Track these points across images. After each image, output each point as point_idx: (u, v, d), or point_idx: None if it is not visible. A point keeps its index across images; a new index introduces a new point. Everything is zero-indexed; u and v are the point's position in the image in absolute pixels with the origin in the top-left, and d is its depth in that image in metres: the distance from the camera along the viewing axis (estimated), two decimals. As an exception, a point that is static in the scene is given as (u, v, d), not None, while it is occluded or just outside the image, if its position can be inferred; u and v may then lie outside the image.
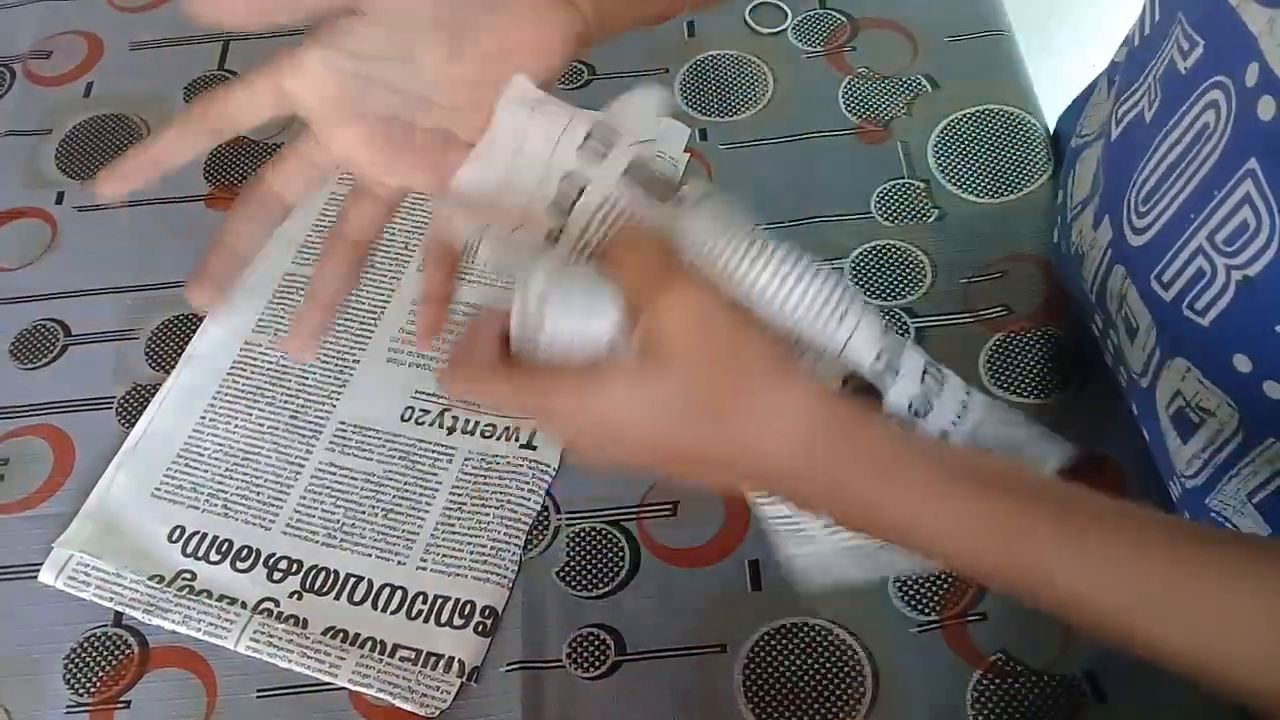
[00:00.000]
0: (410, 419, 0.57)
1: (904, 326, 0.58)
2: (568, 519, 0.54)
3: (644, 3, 0.47)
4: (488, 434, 0.56)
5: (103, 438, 0.57)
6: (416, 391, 0.57)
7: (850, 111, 0.66)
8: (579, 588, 0.52)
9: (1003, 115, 0.65)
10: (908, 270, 0.60)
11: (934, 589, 0.50)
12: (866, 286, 0.59)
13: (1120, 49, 0.59)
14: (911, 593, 0.50)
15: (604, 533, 0.53)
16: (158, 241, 0.64)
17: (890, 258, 0.60)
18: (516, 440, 0.55)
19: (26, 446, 0.57)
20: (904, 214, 0.62)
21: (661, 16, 0.49)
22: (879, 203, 0.62)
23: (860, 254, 0.60)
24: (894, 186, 0.63)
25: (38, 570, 0.53)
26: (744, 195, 0.60)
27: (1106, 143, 0.51)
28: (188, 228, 0.64)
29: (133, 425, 0.57)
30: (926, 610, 0.49)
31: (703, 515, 0.53)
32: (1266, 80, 0.38)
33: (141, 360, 0.60)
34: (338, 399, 0.57)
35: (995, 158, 0.63)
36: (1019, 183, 0.62)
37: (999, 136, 0.64)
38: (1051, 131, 0.66)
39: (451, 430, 0.56)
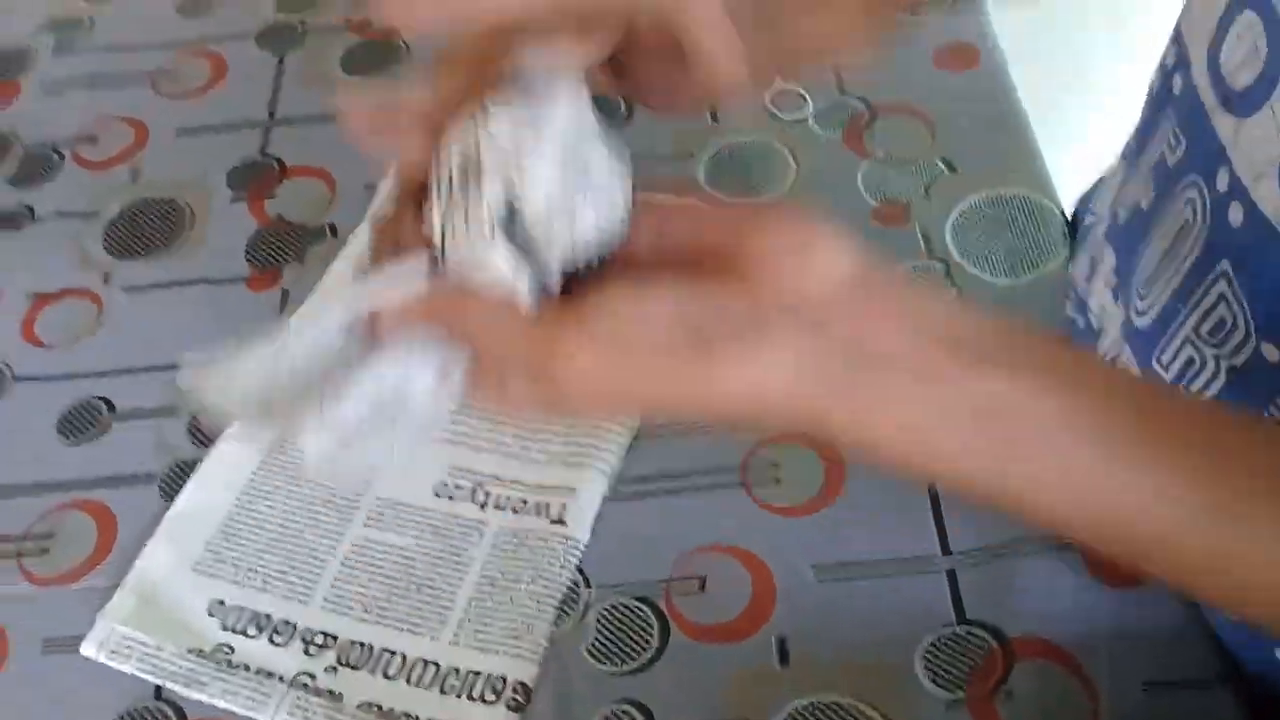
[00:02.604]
0: (444, 495, 0.58)
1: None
2: (598, 594, 0.55)
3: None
4: (519, 510, 0.57)
5: (145, 512, 0.59)
6: (451, 468, 0.59)
7: (870, 194, 0.68)
8: (609, 663, 0.53)
9: (1019, 198, 0.67)
10: (929, 350, 0.61)
11: (961, 665, 0.51)
12: (889, 366, 0.60)
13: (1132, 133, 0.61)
14: (939, 669, 0.51)
15: (633, 609, 0.54)
16: (201, 321, 0.66)
17: (912, 337, 0.61)
18: (547, 516, 0.56)
19: (71, 521, 0.59)
20: (924, 294, 0.63)
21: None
22: (900, 283, 0.64)
23: (882, 334, 0.62)
24: (913, 267, 0.65)
25: (80, 643, 0.54)
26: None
27: (1113, 225, 0.53)
28: (229, 309, 0.66)
29: (174, 500, 0.59)
30: (953, 688, 0.50)
31: (730, 591, 0.54)
32: (1235, 187, 0.40)
33: (183, 437, 0.61)
34: (373, 475, 0.59)
35: (1012, 239, 0.65)
36: (1036, 262, 0.64)
37: (1016, 219, 0.66)
38: (1070, 212, 0.67)
39: (484, 506, 0.57)
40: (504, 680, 0.52)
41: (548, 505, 0.57)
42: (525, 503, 0.57)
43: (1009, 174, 0.68)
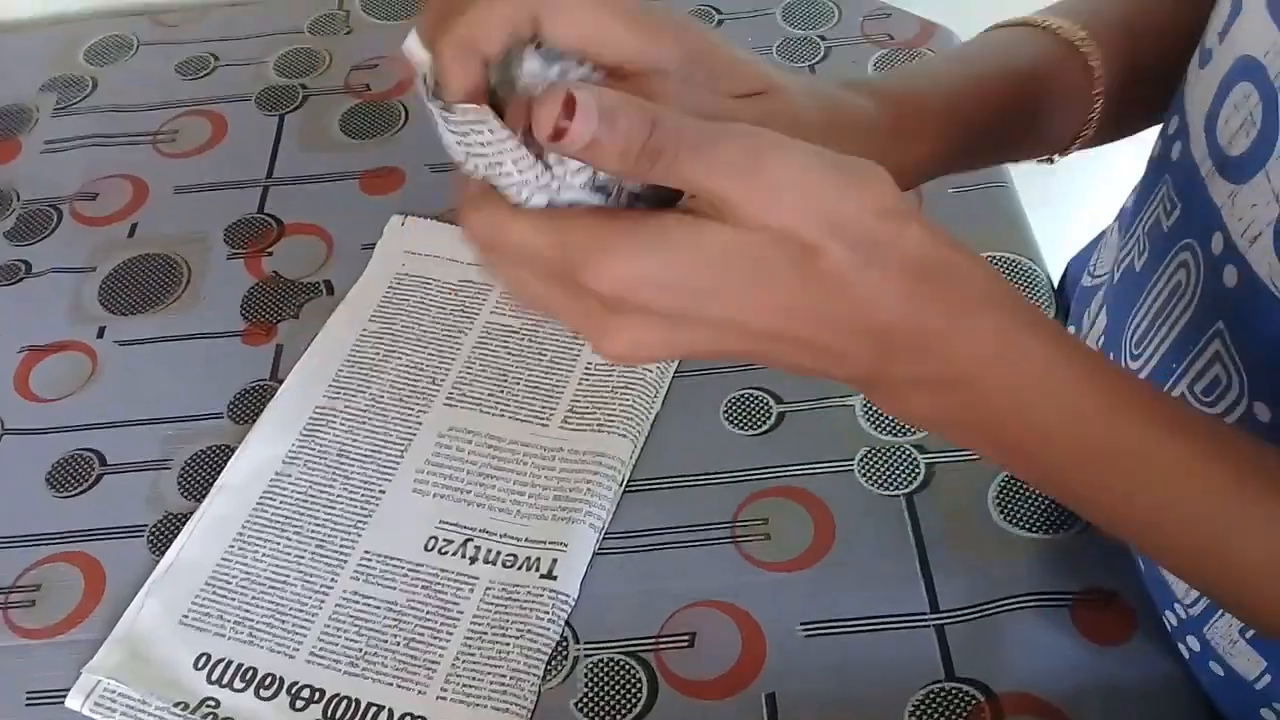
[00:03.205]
0: (434, 549, 0.58)
1: (915, 463, 0.59)
2: (586, 649, 0.54)
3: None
4: (509, 564, 0.57)
5: (133, 565, 0.59)
6: (440, 522, 0.59)
7: (859, 256, 0.69)
8: (598, 719, 0.52)
9: (1007, 263, 0.68)
10: (917, 408, 0.61)
11: (953, 717, 0.51)
12: (878, 425, 0.61)
13: (1129, 197, 0.63)
14: (927, 727, 0.51)
15: (622, 663, 0.54)
16: (194, 375, 0.66)
17: (900, 396, 0.62)
18: (537, 570, 0.57)
19: (58, 573, 0.59)
20: (912, 354, 0.64)
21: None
22: (888, 343, 0.64)
23: (871, 392, 0.62)
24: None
25: (64, 696, 0.54)
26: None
27: (1109, 284, 0.54)
28: (224, 363, 0.66)
29: (163, 553, 0.59)
30: (942, 745, 0.50)
31: (719, 647, 0.54)
32: (1229, 250, 0.41)
33: (174, 489, 0.61)
34: (363, 529, 0.59)
35: (999, 301, 0.66)
36: (1023, 325, 0.65)
37: (1002, 281, 0.67)
38: (1058, 276, 0.69)
39: (474, 560, 0.57)
40: (491, 736, 0.52)
41: (538, 560, 0.57)
42: (515, 557, 0.57)
43: (994, 237, 0.69)
